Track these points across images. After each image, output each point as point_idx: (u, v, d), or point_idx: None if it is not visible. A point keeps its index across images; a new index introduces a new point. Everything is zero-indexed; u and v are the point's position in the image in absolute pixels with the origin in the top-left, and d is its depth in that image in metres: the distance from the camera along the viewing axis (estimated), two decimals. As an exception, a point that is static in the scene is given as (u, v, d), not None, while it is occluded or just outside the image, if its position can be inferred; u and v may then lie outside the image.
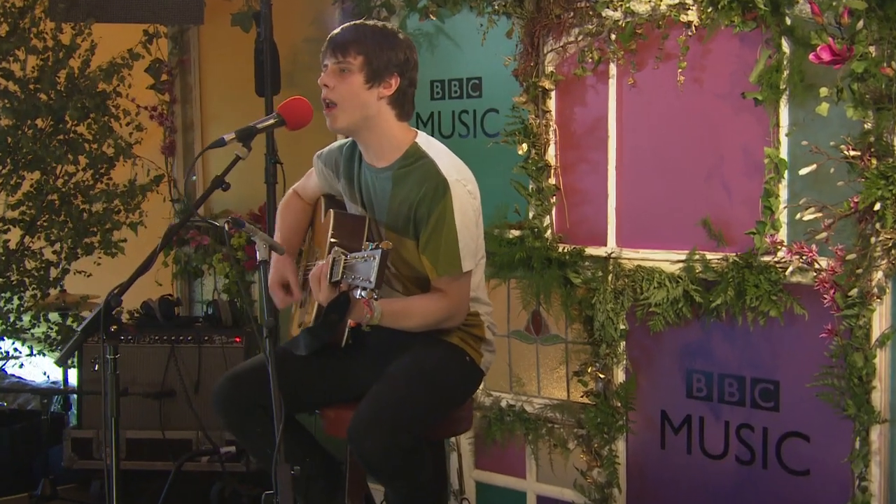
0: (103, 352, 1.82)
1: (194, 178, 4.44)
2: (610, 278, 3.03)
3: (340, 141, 2.44)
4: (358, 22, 2.21)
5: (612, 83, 3.00)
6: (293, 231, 2.45)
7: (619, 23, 2.95)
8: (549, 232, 3.16)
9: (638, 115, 2.97)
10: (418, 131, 2.28)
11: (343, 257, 1.90)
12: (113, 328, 1.82)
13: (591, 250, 3.07)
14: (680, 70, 2.82)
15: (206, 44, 4.43)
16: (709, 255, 2.84)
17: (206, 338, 3.62)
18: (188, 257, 4.39)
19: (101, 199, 3.90)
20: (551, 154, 3.15)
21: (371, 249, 1.80)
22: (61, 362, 1.88)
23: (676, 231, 2.94)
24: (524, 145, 3.13)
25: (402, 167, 2.20)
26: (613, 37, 2.93)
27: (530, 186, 3.19)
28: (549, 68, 3.11)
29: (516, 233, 3.23)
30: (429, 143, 2.24)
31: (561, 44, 3.07)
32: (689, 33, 2.82)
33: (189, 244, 4.34)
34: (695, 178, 2.91)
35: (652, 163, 3.01)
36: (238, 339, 3.65)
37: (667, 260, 2.95)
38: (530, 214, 3.19)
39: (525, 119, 3.13)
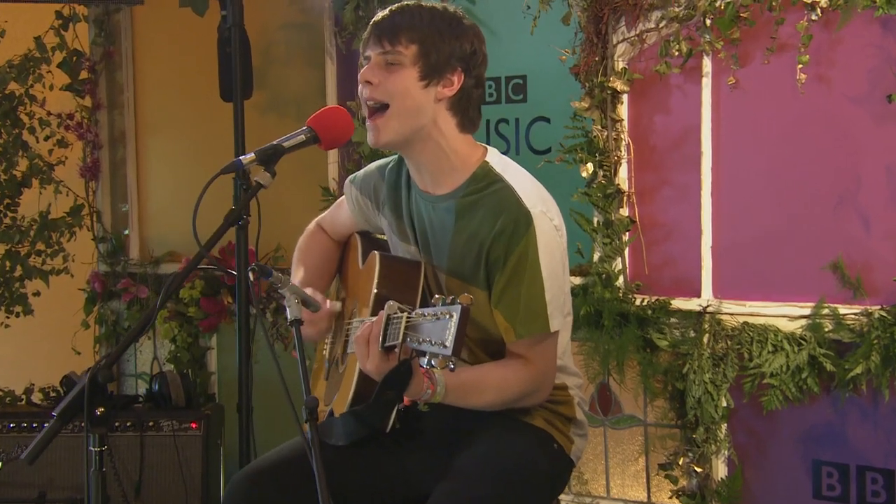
0: (86, 442, 1.83)
1: (125, 208, 4.40)
2: (706, 340, 3.02)
3: (380, 161, 2.41)
4: (411, 2, 2.17)
5: (707, 83, 3.03)
6: (316, 276, 2.44)
7: (717, 4, 2.95)
8: (621, 279, 3.18)
9: (741, 125, 3.00)
10: (488, 147, 2.24)
11: (402, 314, 1.87)
12: (99, 411, 1.81)
13: (679, 303, 3.09)
14: (800, 66, 2.82)
15: (143, 30, 4.39)
16: (842, 309, 2.83)
17: (150, 423, 3.60)
18: (117, 316, 4.33)
19: (11, 237, 3.84)
20: (623, 176, 3.18)
21: (445, 305, 1.77)
22: (30, 459, 1.84)
23: (797, 277, 2.93)
24: (588, 165, 3.16)
25: (468, 194, 2.18)
26: (708, 22, 2.95)
27: (596, 219, 3.22)
28: (621, 64, 3.14)
29: (578, 280, 3.23)
30: (503, 164, 2.21)
31: (636, 32, 3.09)
32: (814, 17, 2.82)
33: (120, 298, 4.28)
34: (821, 208, 2.88)
35: (761, 187, 3.00)
36: (194, 425, 3.62)
37: (784, 315, 2.94)
38: (596, 256, 3.22)
39: (588, 131, 3.15)
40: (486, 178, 2.17)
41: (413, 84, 2.11)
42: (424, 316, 1.81)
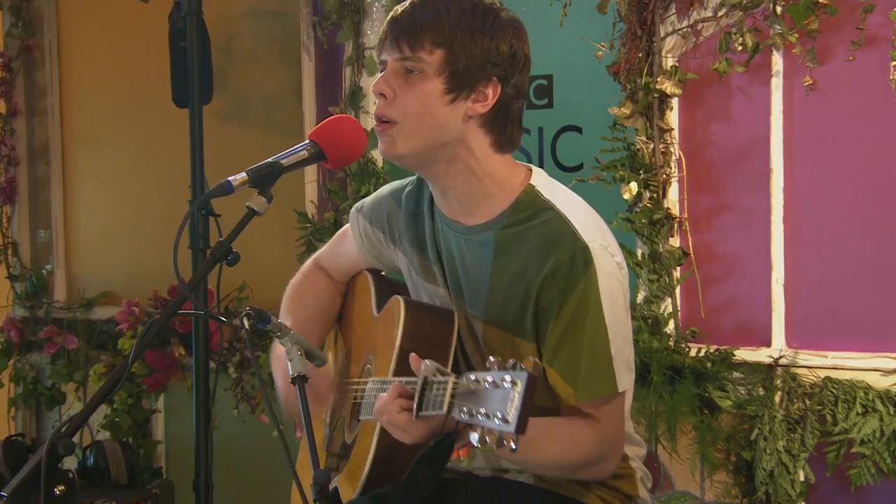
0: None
1: (42, 237, 4.40)
2: (779, 399, 2.99)
3: (394, 184, 2.40)
4: None
5: (777, 85, 3.01)
6: (315, 324, 2.47)
7: (790, -13, 2.96)
8: (672, 324, 3.15)
9: (819, 136, 2.97)
10: (533, 167, 2.23)
11: (447, 378, 1.88)
12: (59, 489, 1.83)
13: (745, 353, 3.06)
14: (893, 63, 2.79)
15: (71, 18, 4.36)
16: (951, 362, 2.84)
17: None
18: (38, 372, 4.31)
19: None
20: (674, 199, 3.15)
21: (505, 370, 1.76)
22: None
23: (889, 322, 2.91)
24: (630, 185, 3.13)
25: (511, 225, 2.17)
26: (779, 10, 2.94)
27: (640, 251, 3.20)
28: (671, 61, 3.12)
29: (620, 326, 3.18)
30: (552, 188, 2.21)
31: (690, 21, 3.07)
32: (912, 4, 2.82)
33: (41, 349, 4.25)
34: (920, 237, 2.90)
35: (844, 211, 2.98)
36: (138, 505, 3.67)
37: (876, 369, 2.91)
38: (641, 296, 3.19)
39: (631, 143, 3.13)
40: (533, 206, 2.17)
41: (436, 99, 2.10)
42: (478, 382, 1.80)
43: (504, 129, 2.15)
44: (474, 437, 1.76)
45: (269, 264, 3.52)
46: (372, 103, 3.60)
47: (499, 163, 2.17)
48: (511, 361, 1.76)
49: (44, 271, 4.33)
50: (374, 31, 3.62)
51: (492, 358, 1.79)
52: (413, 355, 1.97)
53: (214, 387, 3.37)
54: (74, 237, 4.29)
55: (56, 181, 4.34)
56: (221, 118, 3.86)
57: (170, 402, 4.09)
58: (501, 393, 1.73)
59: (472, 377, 1.81)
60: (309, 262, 2.57)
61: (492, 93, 2.10)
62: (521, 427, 1.71)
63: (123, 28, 4.07)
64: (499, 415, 1.72)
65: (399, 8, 2.13)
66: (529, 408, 1.71)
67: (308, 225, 3.69)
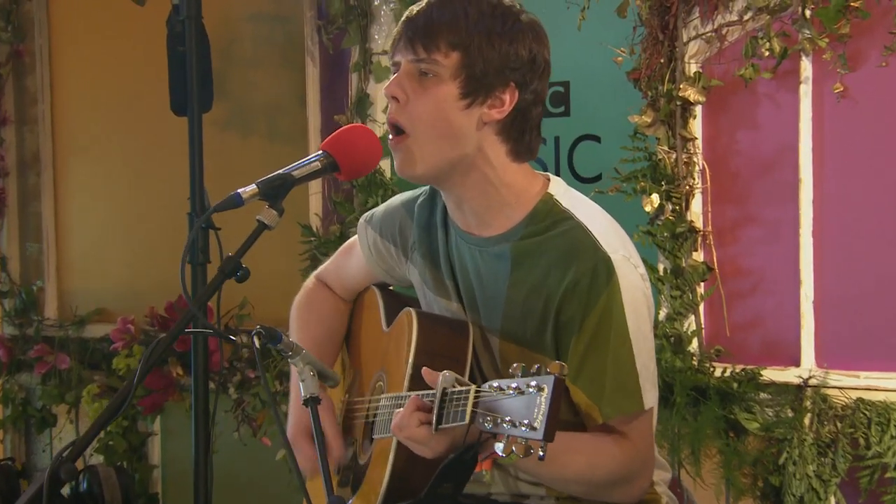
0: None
1: (31, 248, 4.41)
2: (809, 421, 2.97)
3: (406, 195, 2.43)
4: None
5: (806, 91, 3.00)
6: (326, 345, 2.49)
7: (820, -11, 2.95)
8: (695, 343, 3.14)
9: (851, 145, 2.96)
10: (551, 176, 2.26)
11: (469, 388, 1.89)
12: None
13: (772, 373, 3.05)
14: None
15: (63, 22, 4.37)
16: None
17: (77, 533, 3.67)
18: (28, 393, 4.32)
19: None
20: (698, 211, 3.15)
21: (529, 375, 1.78)
22: None
23: None
24: (652, 197, 3.12)
25: (528, 236, 2.18)
26: (809, 13, 2.92)
27: (662, 266, 3.19)
28: (694, 67, 3.11)
29: (641, 344, 3.17)
30: (571, 197, 2.23)
31: (714, 25, 3.05)
32: (950, 7, 2.82)
33: (31, 369, 4.24)
34: (959, 251, 2.88)
35: (877, 224, 2.96)
36: (134, 535, 3.70)
37: None
38: (663, 313, 3.17)
39: (652, 153, 3.13)
40: (551, 216, 2.17)
41: (451, 104, 2.10)
42: (501, 390, 1.81)
43: (522, 136, 2.16)
44: (499, 446, 1.76)
45: (272, 280, 3.51)
46: (380, 111, 3.61)
47: (516, 172, 2.17)
48: (535, 367, 1.77)
49: (34, 287, 4.33)
50: (381, 36, 3.63)
51: (515, 364, 1.80)
52: (426, 369, 1.98)
53: (214, 408, 3.36)
54: (66, 251, 4.28)
55: (47, 193, 4.34)
56: (221, 127, 3.88)
57: (167, 425, 4.08)
58: (527, 399, 1.74)
59: (496, 384, 1.82)
60: (311, 279, 2.58)
61: (509, 99, 2.11)
62: (550, 434, 1.72)
63: (118, 32, 4.08)
64: (525, 422, 1.73)
65: (415, 8, 2.13)
66: (557, 413, 1.73)
67: (312, 238, 3.68)
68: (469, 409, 1.86)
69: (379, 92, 3.64)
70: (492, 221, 2.19)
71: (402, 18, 2.15)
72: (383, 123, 3.67)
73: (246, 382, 3.74)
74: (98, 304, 4.18)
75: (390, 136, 2.16)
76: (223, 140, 3.82)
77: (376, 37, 3.63)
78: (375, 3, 3.63)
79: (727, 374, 3.06)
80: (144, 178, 4.13)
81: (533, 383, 1.75)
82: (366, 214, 2.46)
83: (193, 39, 3.31)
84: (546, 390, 1.73)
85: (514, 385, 1.78)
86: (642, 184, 3.11)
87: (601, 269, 2.08)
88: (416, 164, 2.13)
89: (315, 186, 3.74)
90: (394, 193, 3.70)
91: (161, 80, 3.41)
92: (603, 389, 2.09)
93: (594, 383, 2.10)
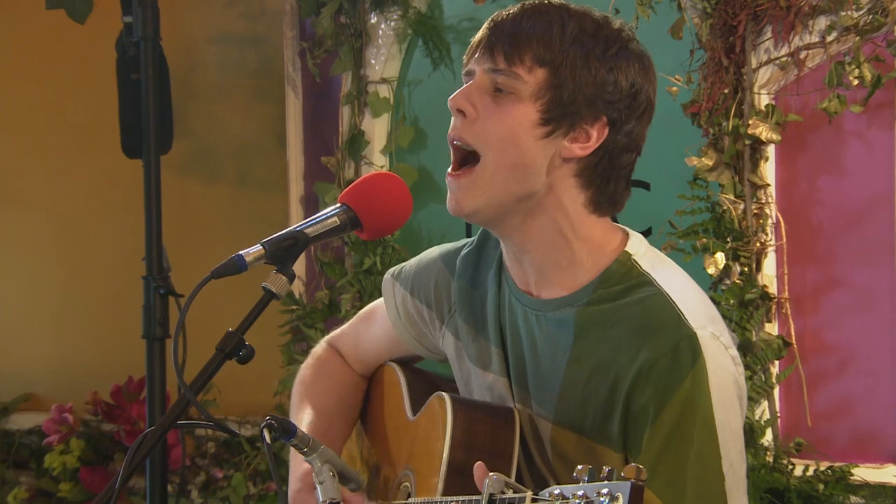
0: None
1: None
2: None
3: (447, 246, 2.47)
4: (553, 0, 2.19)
5: None
6: (335, 422, 2.51)
7: (920, 7, 2.99)
8: (770, 434, 3.16)
9: None
10: (630, 231, 2.26)
11: (524, 495, 1.87)
12: None
13: (865, 472, 3.08)
14: None
15: None
16: None
17: None
18: None
19: None
20: (771, 274, 3.19)
21: (600, 480, 1.75)
22: None
23: None
24: (716, 256, 3.16)
25: (597, 301, 2.18)
26: None
27: None
28: (766, 99, 3.14)
29: (705, 436, 3.18)
30: (652, 257, 2.24)
31: (790, 49, 3.09)
32: None
33: None
34: None
35: None
36: None
37: None
38: None
39: (715, 202, 3.16)
40: (627, 279, 2.18)
41: (526, 130, 2.11)
42: (565, 498, 1.79)
43: (606, 184, 2.17)
44: None
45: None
46: (377, 152, 3.63)
47: (594, 225, 2.18)
48: (606, 470, 1.75)
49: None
50: (379, 61, 3.64)
51: (580, 466, 1.79)
52: (480, 464, 1.96)
53: (173, 516, 3.36)
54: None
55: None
56: (180, 171, 3.90)
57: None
58: None
59: (556, 491, 1.81)
60: (322, 343, 2.61)
61: (596, 135, 2.12)
62: None
63: (58, 58, 4.14)
64: None
65: (504, 12, 2.17)
66: None
67: (295, 307, 3.68)
68: None
69: (376, 129, 3.67)
70: (555, 280, 2.20)
71: (487, 22, 2.18)
72: (382, 166, 3.67)
73: (212, 483, 3.72)
74: (25, 389, 4.20)
75: (452, 166, 2.17)
76: (184, 187, 3.87)
77: (373, 61, 3.67)
78: (372, 20, 3.66)
79: (810, 472, 3.12)
80: (87, 235, 4.18)
81: (605, 490, 1.73)
82: (393, 269, 2.49)
83: (150, 66, 3.37)
84: (621, 500, 1.72)
85: (580, 493, 1.76)
86: (703, 240, 3.19)
87: (685, 347, 2.07)
88: (478, 195, 2.15)
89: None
90: (394, 251, 3.71)
91: (110, 115, 3.43)
92: (683, 496, 2.08)
93: (672, 488, 2.08)
